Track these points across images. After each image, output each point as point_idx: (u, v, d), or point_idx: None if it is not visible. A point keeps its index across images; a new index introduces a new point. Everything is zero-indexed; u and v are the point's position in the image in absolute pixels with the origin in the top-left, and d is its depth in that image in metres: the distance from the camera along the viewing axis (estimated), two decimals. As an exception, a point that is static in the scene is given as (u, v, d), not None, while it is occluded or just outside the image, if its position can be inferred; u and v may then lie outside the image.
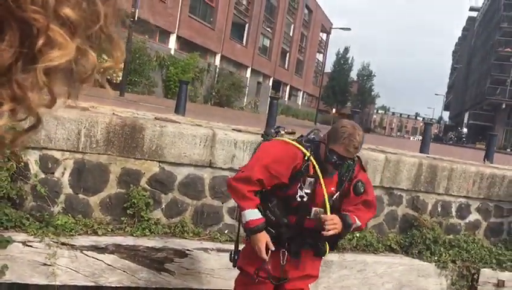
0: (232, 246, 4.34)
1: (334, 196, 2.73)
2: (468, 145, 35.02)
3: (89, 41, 0.48)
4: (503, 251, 5.16)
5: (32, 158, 4.00)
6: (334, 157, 2.59)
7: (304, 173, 2.64)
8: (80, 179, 4.18)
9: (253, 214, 2.65)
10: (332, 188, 2.74)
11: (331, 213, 2.68)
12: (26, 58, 0.44)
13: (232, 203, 4.66)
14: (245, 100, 33.99)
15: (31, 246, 3.72)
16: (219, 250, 4.24)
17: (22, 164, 3.90)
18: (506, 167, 5.86)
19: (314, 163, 2.64)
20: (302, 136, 2.86)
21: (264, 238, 2.66)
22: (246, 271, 2.88)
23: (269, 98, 8.84)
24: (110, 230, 4.16)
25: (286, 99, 44.79)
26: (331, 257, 4.58)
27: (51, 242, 3.78)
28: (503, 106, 51.94)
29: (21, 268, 3.69)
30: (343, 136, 2.59)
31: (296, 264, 2.80)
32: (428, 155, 6.11)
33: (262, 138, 3.03)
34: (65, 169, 4.15)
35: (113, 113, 4.54)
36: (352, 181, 2.77)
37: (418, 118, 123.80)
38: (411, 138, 64.54)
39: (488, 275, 4.83)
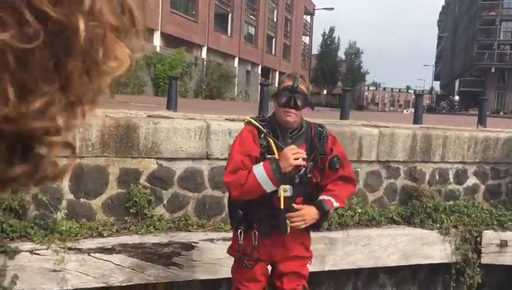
0: (236, 234, 4.42)
1: (301, 171, 2.67)
2: (461, 113, 35.19)
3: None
4: (503, 211, 5.24)
5: (30, 168, 4.01)
6: (284, 91, 2.64)
7: (265, 151, 2.66)
8: (79, 184, 4.21)
9: (258, 168, 2.58)
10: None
11: (304, 188, 2.71)
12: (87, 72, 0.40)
13: (232, 192, 4.71)
14: (236, 90, 33.95)
15: (38, 254, 3.75)
16: (225, 239, 4.28)
17: (21, 174, 3.92)
18: (499, 129, 5.92)
19: (269, 139, 2.66)
20: (257, 116, 2.99)
21: (286, 155, 2.54)
22: (232, 255, 2.98)
23: (259, 85, 8.85)
24: (115, 231, 4.20)
25: (276, 85, 44.73)
26: (335, 234, 4.65)
27: (58, 248, 3.81)
28: (493, 70, 52.13)
29: (31, 277, 3.73)
30: (284, 75, 2.82)
31: (282, 245, 2.81)
32: (421, 126, 6.16)
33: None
34: (64, 175, 4.17)
35: (106, 115, 4.54)
36: (328, 156, 2.75)
37: (409, 90, 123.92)
38: (404, 111, 64.67)
39: (490, 236, 4.91)
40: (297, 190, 2.72)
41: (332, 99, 65.14)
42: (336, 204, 2.75)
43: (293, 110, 2.63)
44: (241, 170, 2.61)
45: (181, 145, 4.46)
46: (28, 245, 3.77)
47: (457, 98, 46.67)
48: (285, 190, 2.66)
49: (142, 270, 4.02)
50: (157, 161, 4.44)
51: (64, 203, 4.17)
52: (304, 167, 2.65)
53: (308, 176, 2.72)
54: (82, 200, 4.24)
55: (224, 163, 4.62)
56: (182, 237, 4.23)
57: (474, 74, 55.02)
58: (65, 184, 4.17)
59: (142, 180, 4.41)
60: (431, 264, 5.02)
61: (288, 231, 2.71)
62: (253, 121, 2.77)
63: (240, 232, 2.76)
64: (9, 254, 3.66)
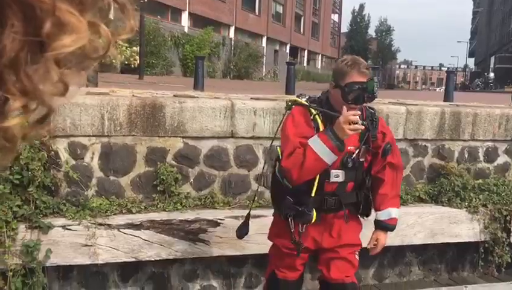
0: (262, 212, 4.47)
1: (354, 155, 2.58)
2: (496, 90, 34.12)
3: (100, 15, 0.41)
4: (533, 189, 5.12)
5: (61, 146, 4.15)
6: (354, 87, 2.44)
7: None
8: (108, 162, 4.32)
9: (313, 139, 2.45)
10: (351, 147, 2.58)
11: (355, 173, 2.61)
12: (34, 47, 0.38)
13: (258, 170, 4.75)
14: (264, 70, 33.78)
15: (70, 229, 3.90)
16: (250, 217, 4.34)
17: (52, 152, 4.06)
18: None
19: (319, 121, 2.54)
20: (309, 97, 2.74)
21: (341, 122, 2.38)
22: (278, 243, 2.86)
23: (286, 64, 8.80)
24: (143, 208, 4.31)
25: (305, 64, 44.30)
26: (360, 212, 4.64)
27: (89, 224, 3.95)
28: (529, 47, 50.16)
29: (64, 251, 3.88)
30: (347, 64, 2.50)
31: (330, 233, 2.72)
32: (451, 103, 6.03)
33: (285, 108, 2.86)
34: (93, 154, 4.29)
35: (133, 95, 4.63)
36: (379, 140, 2.65)
37: (442, 68, 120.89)
38: (437, 90, 63.15)
39: (520, 215, 4.82)
40: (349, 174, 2.63)
41: (362, 78, 64.04)
42: (396, 214, 2.73)
43: (358, 106, 2.51)
44: (297, 150, 2.49)
45: (206, 124, 4.51)
46: (60, 221, 3.92)
47: (492, 75, 45.18)
48: (337, 175, 2.59)
49: (169, 245, 4.13)
50: (183, 139, 4.51)
51: (94, 180, 4.30)
52: (362, 130, 2.50)
53: (361, 160, 2.62)
54: (111, 178, 4.35)
55: (249, 142, 4.69)
56: (208, 214, 4.30)
57: (510, 50, 53.10)
58: (95, 162, 4.29)
59: (169, 158, 4.49)
60: (458, 243, 4.97)
61: (347, 222, 2.70)
62: (300, 100, 2.64)
63: (291, 220, 2.65)
64: (43, 229, 3.81)
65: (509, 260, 4.94)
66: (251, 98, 5.03)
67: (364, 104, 2.63)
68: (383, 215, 2.73)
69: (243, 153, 4.69)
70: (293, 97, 2.75)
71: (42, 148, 3.95)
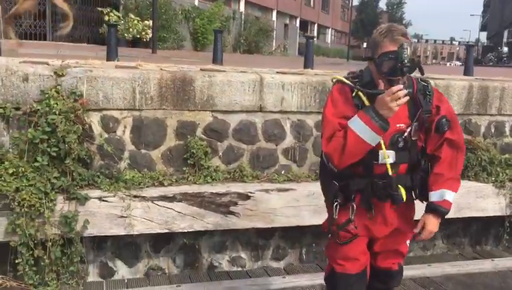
0: (291, 185, 4.53)
1: (406, 133, 2.35)
2: (509, 65, 33.65)
3: None
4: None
5: (94, 120, 4.20)
6: (385, 58, 2.21)
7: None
8: (140, 135, 4.37)
9: (354, 120, 2.26)
10: (400, 124, 2.36)
11: (409, 153, 2.38)
12: None
13: (285, 144, 4.79)
14: (274, 44, 33.47)
15: (106, 201, 3.98)
16: (279, 190, 4.41)
17: (87, 126, 4.11)
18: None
19: (362, 96, 2.31)
20: (351, 72, 2.51)
21: (383, 99, 2.20)
22: (328, 229, 2.60)
23: (305, 38, 8.72)
24: (174, 180, 4.38)
25: (315, 39, 43.81)
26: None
27: (124, 196, 4.03)
28: (545, 20, 49.18)
29: (100, 222, 3.97)
30: (381, 32, 2.27)
31: (382, 219, 2.46)
32: (477, 77, 5.99)
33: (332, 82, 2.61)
34: (125, 127, 4.34)
35: (161, 69, 4.65)
36: (434, 115, 2.38)
37: (453, 42, 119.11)
38: (448, 64, 62.38)
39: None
40: (401, 155, 2.37)
41: (372, 52, 63.39)
42: (451, 197, 2.39)
43: (398, 77, 2.23)
44: (337, 132, 2.31)
45: (235, 98, 4.53)
46: (96, 193, 4.00)
47: (505, 49, 44.54)
48: (387, 156, 2.34)
49: (201, 217, 4.21)
50: (213, 113, 4.54)
51: (126, 154, 4.36)
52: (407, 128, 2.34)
53: (413, 139, 2.38)
54: (143, 151, 4.41)
55: (277, 116, 4.71)
56: (239, 187, 4.36)
57: (524, 23, 52.09)
58: (126, 135, 4.35)
59: (199, 132, 4.53)
60: (483, 217, 5.01)
61: (404, 199, 2.40)
62: (342, 78, 2.42)
63: (336, 206, 2.44)
64: (80, 201, 3.89)
65: (533, 234, 4.99)
66: (277, 72, 5.02)
67: (414, 76, 2.39)
68: (435, 196, 2.40)
69: (271, 127, 4.72)
70: (337, 76, 2.50)
71: (77, 122, 4.00)
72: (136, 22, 16.57)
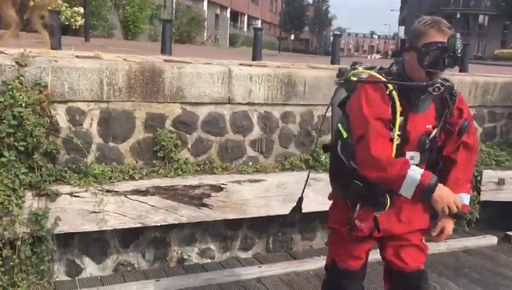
0: (261, 176, 4.60)
1: (432, 134, 2.32)
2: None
3: None
4: (499, 152, 5.61)
5: (59, 112, 4.01)
6: (432, 48, 2.14)
7: (393, 111, 2.23)
8: (108, 128, 4.24)
9: (416, 169, 2.17)
10: (429, 125, 2.32)
11: (429, 153, 2.36)
12: None
13: (253, 135, 4.85)
14: (205, 34, 33.21)
15: (78, 196, 3.84)
16: (250, 181, 4.47)
17: (53, 118, 3.92)
18: (498, 74, 6.21)
19: (395, 96, 2.22)
20: (381, 68, 2.43)
21: (447, 190, 2.17)
22: (339, 229, 2.54)
23: (253, 29, 8.77)
24: (145, 174, 4.30)
25: (245, 29, 44.00)
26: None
27: (96, 191, 3.90)
28: (458, 16, 52.76)
29: (72, 218, 3.83)
30: (425, 23, 2.20)
31: (403, 218, 2.43)
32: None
33: (337, 78, 2.59)
34: (92, 120, 4.19)
35: (124, 59, 4.52)
36: (456, 117, 2.36)
37: (373, 36, 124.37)
38: (368, 57, 65.16)
39: (490, 175, 5.28)
40: (424, 156, 2.36)
41: (299, 44, 64.81)
42: (467, 200, 2.38)
43: (438, 70, 2.19)
44: (382, 142, 2.18)
45: (204, 90, 4.51)
46: (66, 188, 3.84)
47: (424, 44, 47.28)
48: (412, 157, 2.30)
49: (175, 211, 4.17)
50: (182, 105, 4.49)
51: (93, 147, 4.21)
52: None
53: (437, 139, 2.36)
54: (111, 144, 4.28)
55: (245, 108, 4.75)
56: (210, 179, 4.37)
57: (439, 20, 55.40)
58: (94, 128, 4.20)
59: (167, 124, 4.47)
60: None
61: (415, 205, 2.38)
62: (373, 73, 2.32)
63: (359, 206, 2.37)
64: (51, 197, 3.73)
65: (478, 217, 5.43)
66: (240, 64, 5.04)
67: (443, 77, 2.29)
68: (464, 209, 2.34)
69: (239, 119, 4.75)
70: (368, 70, 2.38)
71: (43, 114, 3.81)
72: (64, 8, 15.80)
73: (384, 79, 2.28)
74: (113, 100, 4.20)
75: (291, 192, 4.60)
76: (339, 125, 2.47)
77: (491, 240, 5.10)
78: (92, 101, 4.14)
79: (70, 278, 4.15)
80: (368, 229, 2.40)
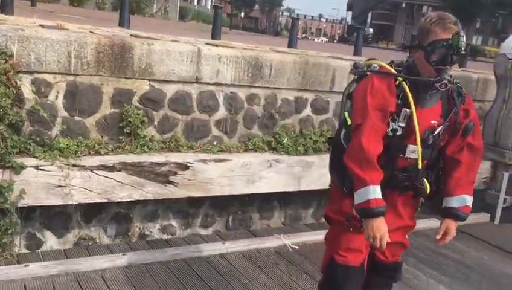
0: (226, 156, 4.70)
1: (437, 131, 2.32)
2: (372, 45, 36.82)
3: None
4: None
5: (25, 83, 3.91)
6: (438, 46, 2.16)
7: (402, 103, 2.24)
8: (74, 102, 4.17)
9: (378, 192, 2.16)
10: (434, 121, 2.32)
11: (431, 150, 2.36)
12: None
13: (218, 115, 4.92)
14: (155, 6, 32.35)
15: (43, 170, 3.78)
16: (216, 160, 4.56)
17: (19, 89, 3.82)
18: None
19: (406, 87, 2.22)
20: (392, 62, 2.43)
21: (385, 226, 2.16)
22: (337, 220, 2.50)
23: (213, 7, 8.73)
24: (110, 149, 4.28)
25: (196, 4, 43.23)
26: (310, 158, 5.09)
27: (62, 165, 3.86)
28: (403, 5, 54.39)
29: (36, 192, 3.78)
30: (430, 21, 2.21)
31: (395, 213, 2.42)
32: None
33: (353, 73, 2.59)
34: (58, 92, 4.11)
35: (90, 32, 4.44)
36: (463, 118, 2.36)
37: (321, 19, 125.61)
38: (316, 39, 65.81)
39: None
40: (426, 152, 2.33)
41: (249, 22, 64.48)
42: (470, 202, 2.39)
43: (446, 67, 2.21)
44: (373, 138, 2.19)
45: (173, 68, 4.52)
46: (31, 161, 3.78)
47: (371, 30, 48.46)
48: (414, 151, 2.29)
49: (141, 187, 4.20)
50: (150, 82, 4.49)
51: (59, 120, 4.14)
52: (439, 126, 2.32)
53: (440, 137, 2.36)
54: (76, 118, 4.23)
55: (212, 88, 4.81)
56: (178, 157, 4.42)
57: (386, 7, 56.95)
58: (59, 101, 4.12)
59: (135, 101, 4.45)
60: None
61: (428, 191, 2.36)
62: (387, 66, 2.34)
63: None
64: (16, 169, 3.66)
65: (423, 201, 5.81)
66: (206, 44, 5.07)
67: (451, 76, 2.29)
68: (456, 201, 2.38)
69: (206, 99, 4.80)
70: (379, 61, 2.41)
71: (8, 84, 3.70)
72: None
73: (394, 71, 2.29)
74: (80, 74, 4.14)
75: (255, 173, 4.76)
76: (345, 113, 2.44)
77: (435, 223, 5.46)
78: (58, 74, 4.06)
79: (29, 251, 4.10)
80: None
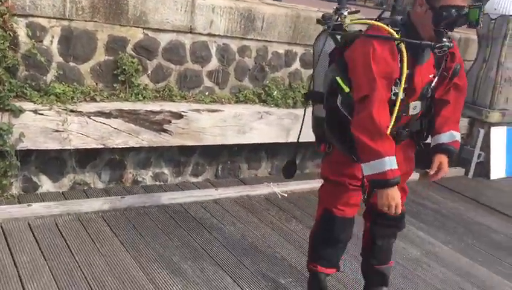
0: (218, 106, 4.81)
1: (433, 83, 2.39)
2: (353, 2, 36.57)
3: None
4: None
5: (20, 26, 3.88)
6: (451, 11, 2.14)
7: (400, 66, 2.22)
8: (68, 47, 4.17)
9: (394, 162, 2.20)
10: (431, 75, 2.38)
11: (426, 101, 2.42)
12: None
13: (210, 66, 4.98)
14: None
15: (42, 114, 3.83)
16: (209, 110, 4.66)
17: (15, 33, 3.80)
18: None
19: (403, 50, 2.19)
20: (380, 18, 2.37)
21: (399, 194, 2.26)
22: (339, 181, 2.56)
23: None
24: (105, 97, 4.33)
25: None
26: (299, 111, 5.22)
27: (60, 110, 3.90)
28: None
29: (35, 136, 3.83)
30: None
31: (399, 162, 2.36)
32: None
33: (321, 23, 2.62)
34: (53, 37, 4.09)
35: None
36: (448, 61, 2.41)
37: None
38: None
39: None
40: (423, 104, 2.42)
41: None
42: (458, 137, 2.52)
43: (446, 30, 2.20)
44: (382, 109, 2.17)
45: (167, 17, 4.53)
46: (29, 105, 3.81)
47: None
48: (415, 107, 2.37)
49: (136, 134, 4.29)
50: (144, 30, 4.49)
51: (54, 65, 4.14)
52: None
53: (435, 87, 2.44)
54: (71, 64, 4.23)
55: (205, 38, 4.85)
56: (172, 106, 4.50)
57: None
58: (54, 46, 4.12)
59: (129, 49, 4.47)
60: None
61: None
62: (383, 25, 2.26)
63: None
64: (15, 113, 3.69)
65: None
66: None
67: None
68: (445, 137, 2.50)
69: (199, 49, 4.84)
70: (367, 20, 2.37)
71: (4, 27, 3.68)
72: None
73: (395, 34, 2.22)
74: (75, 19, 4.12)
75: (246, 124, 4.89)
76: (338, 79, 2.34)
77: (414, 176, 5.75)
78: (53, 18, 4.03)
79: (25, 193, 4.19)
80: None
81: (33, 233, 3.33)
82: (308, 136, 5.05)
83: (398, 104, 2.24)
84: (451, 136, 2.51)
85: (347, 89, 2.31)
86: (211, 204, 4.26)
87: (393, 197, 2.23)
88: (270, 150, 5.56)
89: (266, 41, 5.24)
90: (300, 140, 5.38)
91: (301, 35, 5.43)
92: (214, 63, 4.99)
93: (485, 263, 3.99)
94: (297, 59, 5.55)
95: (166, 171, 4.98)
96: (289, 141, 5.25)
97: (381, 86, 2.18)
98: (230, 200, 4.39)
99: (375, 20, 2.35)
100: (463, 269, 3.82)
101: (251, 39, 5.13)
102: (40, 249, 3.14)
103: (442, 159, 2.51)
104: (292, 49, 5.48)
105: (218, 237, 3.70)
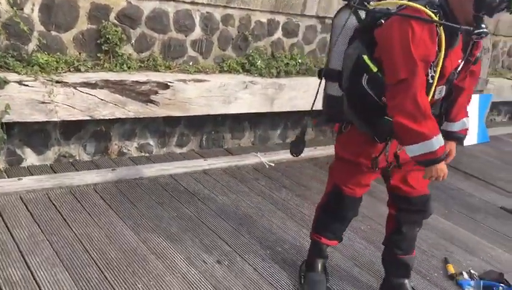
0: (204, 76, 4.78)
1: (459, 68, 2.37)
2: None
3: None
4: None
5: (-1, -7, 3.71)
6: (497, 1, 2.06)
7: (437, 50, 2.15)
8: (50, 16, 4.03)
9: (441, 139, 2.22)
10: (459, 60, 2.35)
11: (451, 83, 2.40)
12: None
13: (194, 36, 4.91)
14: None
15: (27, 85, 3.71)
16: (195, 80, 4.62)
17: (-5, 0, 3.64)
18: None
19: (442, 33, 2.11)
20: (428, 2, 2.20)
21: (445, 165, 2.31)
22: (349, 159, 2.57)
23: None
24: (90, 67, 4.23)
25: None
26: (282, 80, 5.26)
27: (45, 81, 3.80)
28: None
29: (20, 108, 3.72)
30: None
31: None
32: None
33: (349, 9, 2.36)
34: (34, 5, 3.94)
35: None
36: (474, 48, 2.38)
37: None
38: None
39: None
40: (447, 88, 2.41)
41: None
42: (468, 124, 2.60)
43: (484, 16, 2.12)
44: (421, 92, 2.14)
45: (151, -17, 4.42)
46: (15, 76, 3.68)
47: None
48: (440, 91, 2.34)
49: (123, 105, 4.22)
50: (127, -2, 4.38)
51: (35, 34, 4.00)
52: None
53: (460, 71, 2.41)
54: (53, 33, 4.10)
55: (188, 7, 4.76)
56: (158, 76, 4.44)
57: None
58: (35, 14, 3.97)
59: (112, 17, 4.35)
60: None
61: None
62: (422, 7, 2.13)
63: (388, 143, 2.40)
64: (0, 84, 3.56)
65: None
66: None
67: None
68: (458, 126, 2.59)
69: (182, 18, 4.76)
70: (400, 1, 2.24)
71: (-16, -6, 3.52)
72: None
73: (434, 16, 2.12)
74: (56, -14, 3.97)
75: (231, 94, 4.88)
76: (365, 57, 2.24)
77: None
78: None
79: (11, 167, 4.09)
80: (386, 162, 2.47)
81: (27, 207, 3.28)
82: (290, 106, 5.10)
83: (433, 87, 2.22)
84: (463, 124, 2.59)
85: (375, 69, 2.23)
86: (201, 175, 4.28)
87: (442, 169, 2.28)
88: (252, 119, 5.59)
89: (249, 9, 5.20)
90: (282, 110, 5.49)
91: (283, 4, 5.40)
92: (197, 32, 4.93)
93: (466, 226, 4.19)
94: (280, 28, 5.54)
95: (151, 142, 4.94)
96: (274, 110, 5.29)
97: (421, 69, 2.12)
98: (219, 170, 4.42)
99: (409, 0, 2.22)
100: (447, 232, 4.01)
101: (234, 8, 5.08)
102: (36, 223, 3.10)
103: (451, 145, 2.59)
104: (274, 18, 5.46)
105: (212, 207, 3.74)
